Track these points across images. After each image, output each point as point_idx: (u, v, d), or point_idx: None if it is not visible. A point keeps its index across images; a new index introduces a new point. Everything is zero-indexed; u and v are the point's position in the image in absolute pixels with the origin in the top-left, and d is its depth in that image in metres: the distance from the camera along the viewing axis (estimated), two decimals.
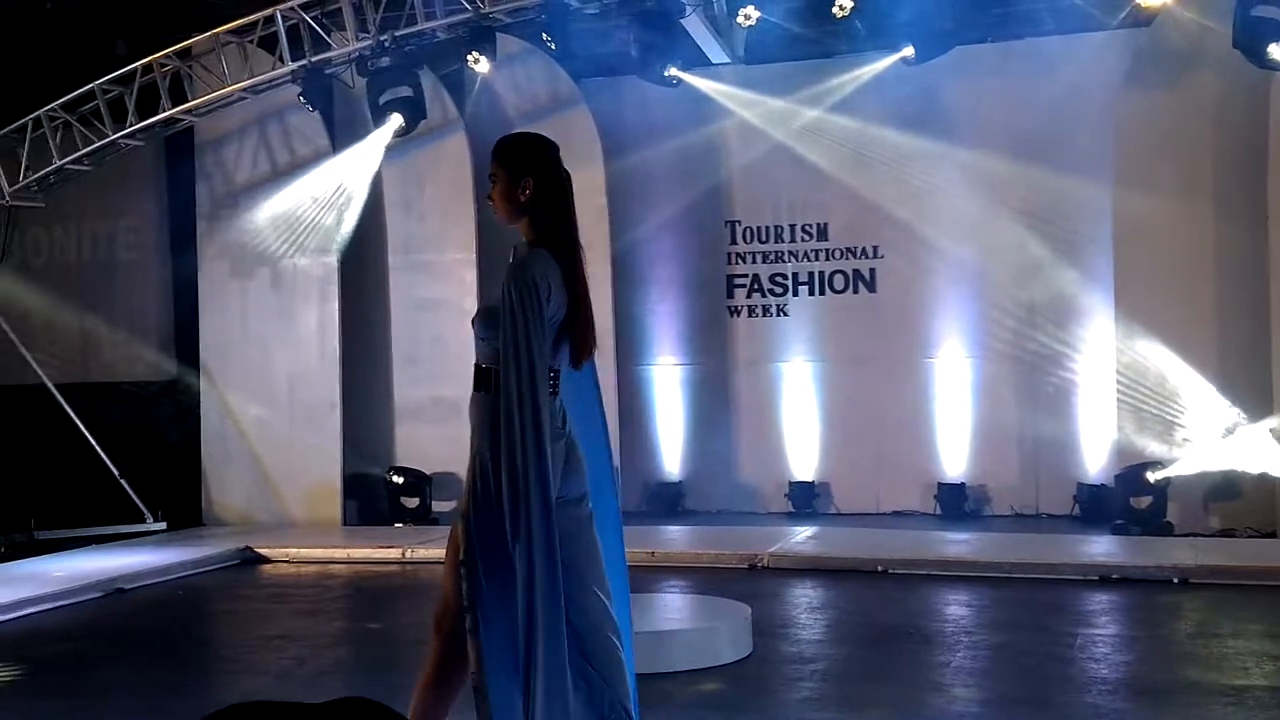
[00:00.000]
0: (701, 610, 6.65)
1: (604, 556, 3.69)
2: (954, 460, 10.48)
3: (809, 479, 10.76)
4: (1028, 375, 10.37)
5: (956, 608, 7.35)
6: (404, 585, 8.32)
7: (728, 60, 10.91)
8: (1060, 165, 10.09)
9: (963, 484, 10.38)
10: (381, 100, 9.68)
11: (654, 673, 5.72)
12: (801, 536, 9.09)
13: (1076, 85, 10.12)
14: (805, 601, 7.61)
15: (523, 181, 3.64)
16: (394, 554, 9.06)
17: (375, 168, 10.44)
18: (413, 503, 10.54)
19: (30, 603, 7.65)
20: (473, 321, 3.65)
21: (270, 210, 10.66)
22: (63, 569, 8.67)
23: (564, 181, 3.69)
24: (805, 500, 10.66)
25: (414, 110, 9.78)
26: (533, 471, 3.45)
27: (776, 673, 5.92)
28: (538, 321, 3.50)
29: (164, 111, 9.69)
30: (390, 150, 10.27)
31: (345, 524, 10.48)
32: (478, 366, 3.60)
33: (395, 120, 9.83)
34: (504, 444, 3.46)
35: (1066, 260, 10.23)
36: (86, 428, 10.19)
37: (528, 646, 3.44)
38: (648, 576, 8.23)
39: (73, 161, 9.92)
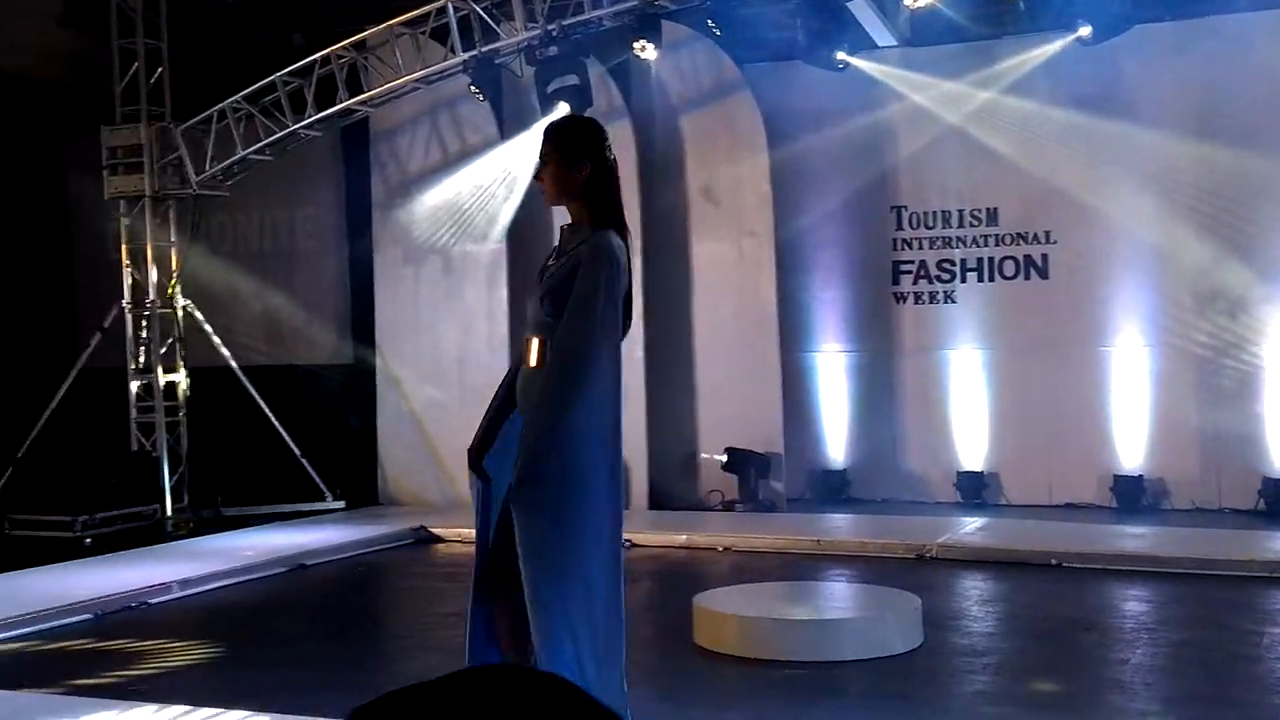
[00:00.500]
0: (870, 600, 6.62)
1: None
2: (1131, 452, 10.18)
3: (978, 469, 10.57)
4: (1209, 365, 10.01)
5: (1135, 603, 7.16)
6: None
7: (894, 43, 10.76)
8: (1244, 147, 9.70)
9: (1140, 476, 10.08)
10: (549, 89, 9.80)
11: (822, 661, 5.73)
12: (971, 527, 8.94)
13: (1262, 65, 9.72)
14: (976, 593, 7.50)
15: (579, 165, 3.77)
16: None
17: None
18: None
19: (219, 576, 8.00)
20: (540, 299, 3.74)
21: (440, 198, 10.91)
22: (249, 545, 9.05)
23: (614, 166, 3.84)
24: (974, 490, 10.49)
25: (580, 99, 9.88)
26: (610, 442, 3.71)
27: (948, 665, 5.85)
28: (619, 303, 3.71)
29: (341, 102, 9.98)
30: None
31: None
32: (528, 340, 3.77)
33: (562, 109, 9.95)
34: (585, 415, 3.64)
35: (1250, 246, 9.85)
36: (270, 409, 10.58)
37: (596, 611, 3.66)
38: (813, 565, 8.22)
39: (255, 151, 10.28)
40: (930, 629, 6.16)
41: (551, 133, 3.86)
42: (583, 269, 3.68)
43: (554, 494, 3.62)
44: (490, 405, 3.97)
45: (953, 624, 6.57)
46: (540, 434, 3.62)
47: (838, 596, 7.03)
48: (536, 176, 3.89)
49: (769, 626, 5.93)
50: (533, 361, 3.77)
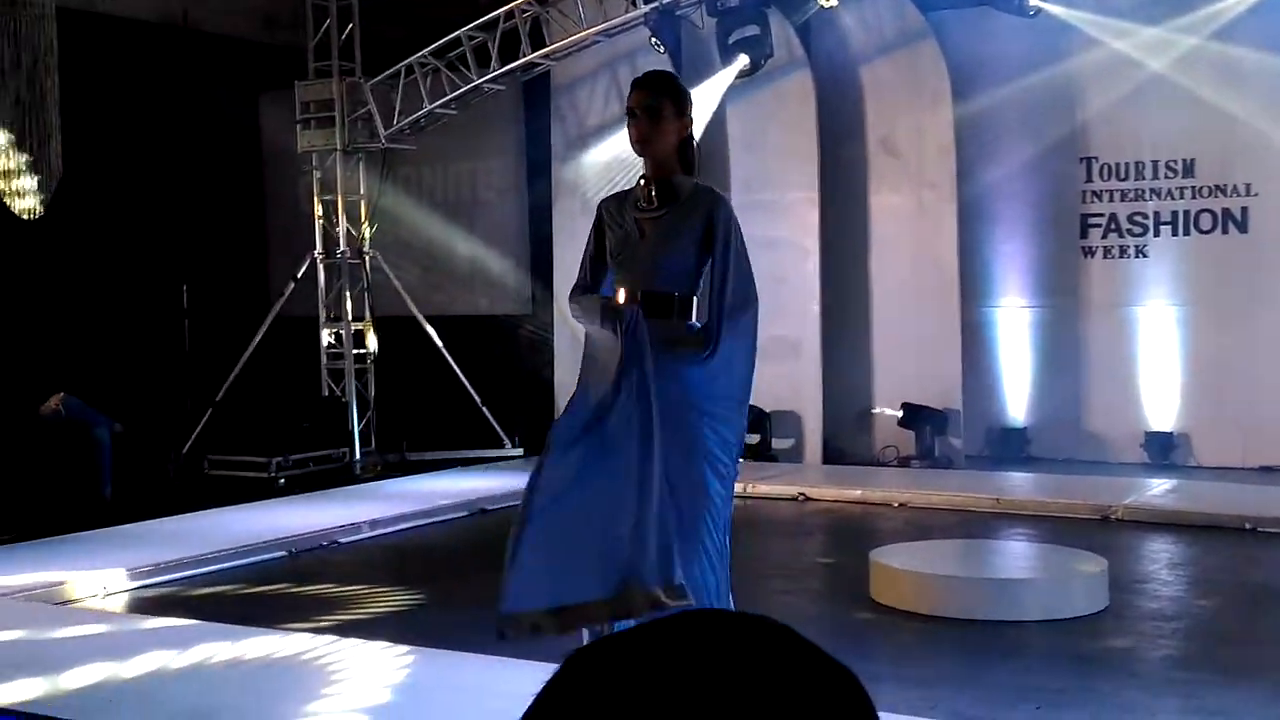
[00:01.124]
0: (1054, 560, 6.48)
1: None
2: None
3: (1167, 429, 10.21)
4: None
5: None
6: (744, 519, 8.46)
7: None
8: None
9: None
10: (730, 40, 9.76)
11: (1006, 620, 5.65)
12: (1159, 489, 8.67)
13: None
14: (1165, 557, 7.28)
15: (687, 118, 3.95)
16: (736, 489, 9.22)
17: (715, 107, 10.52)
18: (753, 439, 10.69)
19: (405, 518, 8.27)
20: (677, 247, 3.86)
21: (618, 150, 10.95)
22: (432, 488, 9.32)
23: None
24: (1162, 451, 10.14)
25: (761, 49, 9.81)
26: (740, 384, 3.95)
27: (1135, 629, 5.71)
28: None
29: (524, 56, 10.10)
30: (734, 89, 10.33)
31: None
32: (671, 295, 3.89)
33: (741, 60, 9.90)
34: (743, 359, 3.90)
35: None
36: (452, 357, 10.84)
37: (726, 550, 4.00)
38: (993, 523, 8.08)
39: (441, 105, 10.50)
40: (1116, 592, 6.01)
41: (663, 86, 4.01)
42: (719, 219, 3.90)
43: (730, 436, 3.82)
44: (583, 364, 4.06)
45: (1140, 587, 6.40)
46: (737, 380, 3.88)
47: (1019, 556, 6.91)
48: (637, 125, 3.96)
49: (949, 584, 5.87)
50: (676, 316, 3.88)
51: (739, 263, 3.87)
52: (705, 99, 10.48)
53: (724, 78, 10.13)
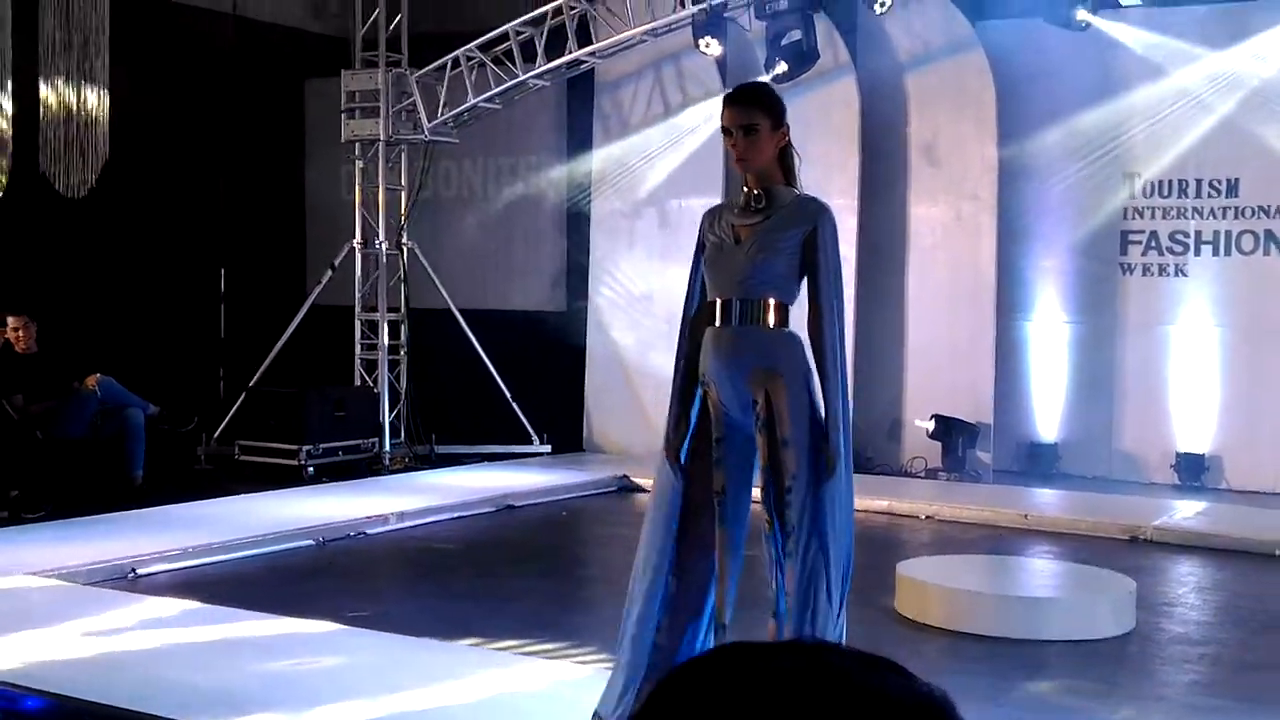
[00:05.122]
0: (1081, 580, 6.45)
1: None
2: None
3: (1199, 451, 10.13)
4: None
5: None
6: None
7: (1139, 2, 10.29)
8: None
9: None
10: (778, 43, 9.73)
11: (1028, 639, 5.63)
12: (1190, 511, 8.59)
13: None
14: (1193, 580, 7.22)
15: (783, 128, 3.88)
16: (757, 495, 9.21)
17: None
18: None
19: (433, 511, 8.30)
20: (774, 254, 3.78)
21: (659, 150, 10.97)
22: (460, 483, 9.36)
23: None
24: (1194, 473, 10.06)
25: (807, 54, 9.77)
26: (847, 398, 3.82)
27: (1161, 652, 5.68)
28: None
29: (570, 53, 10.11)
30: (780, 93, 10.29)
31: None
32: (765, 301, 3.81)
33: (780, 65, 9.86)
34: (834, 373, 3.76)
35: None
36: (484, 352, 10.87)
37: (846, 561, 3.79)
38: (1021, 539, 8.05)
39: (486, 99, 10.52)
40: (1143, 614, 5.97)
41: (757, 99, 3.94)
42: (824, 235, 3.76)
43: (844, 462, 3.75)
44: (675, 392, 3.98)
45: (1167, 610, 6.36)
46: (837, 406, 3.76)
47: (1046, 574, 6.88)
48: (731, 144, 3.89)
49: (975, 600, 5.85)
50: (772, 322, 3.81)
51: (831, 283, 3.81)
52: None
53: (768, 81, 10.11)
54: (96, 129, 9.09)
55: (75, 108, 8.96)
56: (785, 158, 3.91)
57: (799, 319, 3.94)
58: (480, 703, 4.51)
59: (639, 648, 3.85)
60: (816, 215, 3.84)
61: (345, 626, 5.47)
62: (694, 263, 4.03)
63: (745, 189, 3.90)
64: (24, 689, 4.47)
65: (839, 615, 3.76)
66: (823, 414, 3.75)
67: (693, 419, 3.91)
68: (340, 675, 4.74)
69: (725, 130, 3.87)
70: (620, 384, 11.12)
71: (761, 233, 3.82)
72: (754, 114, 3.85)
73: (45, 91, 8.89)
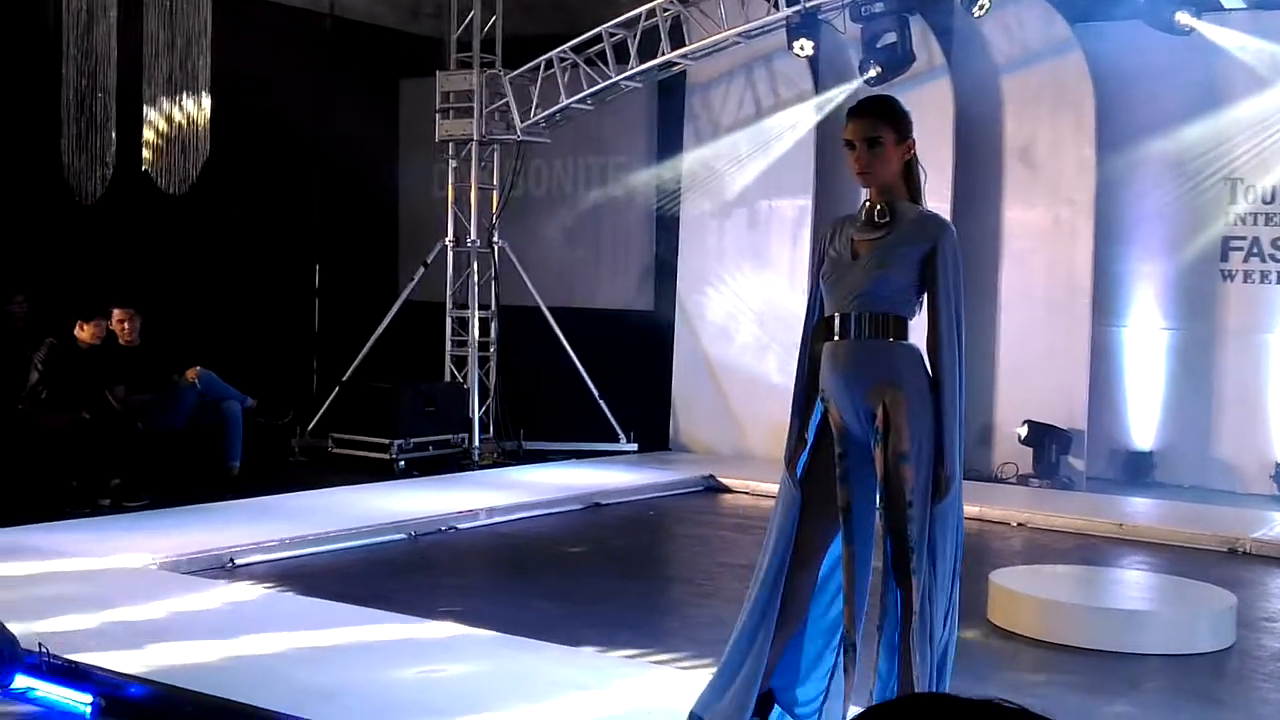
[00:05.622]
0: (1179, 593, 6.32)
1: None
2: None
3: None
4: None
5: None
6: None
7: (1243, 5, 10.07)
8: None
9: None
10: (873, 45, 9.66)
11: (1124, 653, 5.54)
12: None
13: None
14: None
15: (908, 141, 3.79)
16: None
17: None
18: None
19: (521, 507, 8.37)
20: (892, 269, 3.71)
21: (750, 151, 10.95)
22: (548, 480, 9.42)
23: None
24: None
25: (902, 57, 9.69)
26: (964, 420, 3.79)
27: (1262, 669, 5.56)
28: None
29: (663, 55, 10.13)
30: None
31: None
32: (883, 315, 3.74)
33: (878, 68, 9.78)
34: (951, 395, 3.71)
35: None
36: (573, 350, 10.94)
37: (952, 584, 3.75)
38: (1115, 549, 7.92)
39: (578, 100, 10.58)
40: (1243, 629, 5.86)
41: (882, 112, 3.81)
42: (944, 255, 3.69)
43: (957, 485, 3.75)
44: (794, 406, 3.95)
45: (1268, 626, 6.22)
46: (954, 427, 3.74)
47: (1143, 586, 6.76)
48: (857, 156, 3.80)
49: (1070, 611, 5.77)
50: (890, 336, 3.75)
51: (952, 303, 3.72)
52: (841, 105, 10.43)
53: (850, 86, 10.05)
54: (197, 127, 9.27)
55: (177, 106, 9.15)
56: (910, 172, 3.80)
57: (918, 335, 3.88)
58: (563, 702, 4.51)
59: (740, 653, 3.85)
60: (938, 234, 3.71)
61: (438, 622, 5.53)
62: (812, 277, 3.97)
63: (868, 203, 3.82)
64: (129, 677, 4.57)
65: (948, 634, 3.73)
66: (941, 433, 3.71)
67: (811, 434, 3.88)
68: (431, 672, 4.79)
69: (848, 143, 3.77)
70: (707, 383, 11.12)
71: (880, 248, 3.73)
72: (879, 126, 3.74)
73: (148, 92, 9.09)
